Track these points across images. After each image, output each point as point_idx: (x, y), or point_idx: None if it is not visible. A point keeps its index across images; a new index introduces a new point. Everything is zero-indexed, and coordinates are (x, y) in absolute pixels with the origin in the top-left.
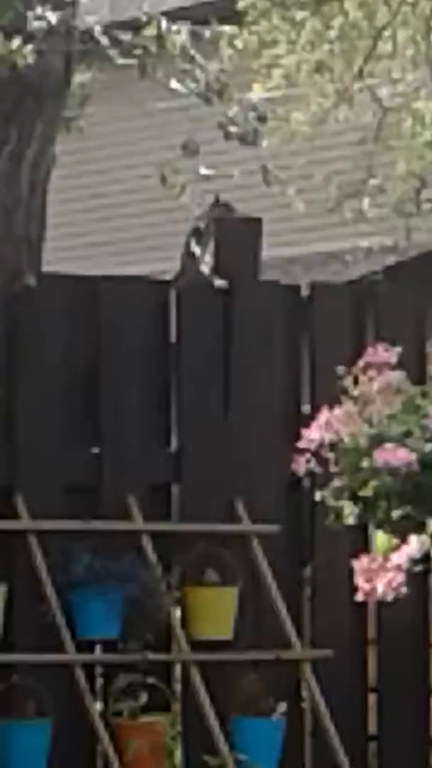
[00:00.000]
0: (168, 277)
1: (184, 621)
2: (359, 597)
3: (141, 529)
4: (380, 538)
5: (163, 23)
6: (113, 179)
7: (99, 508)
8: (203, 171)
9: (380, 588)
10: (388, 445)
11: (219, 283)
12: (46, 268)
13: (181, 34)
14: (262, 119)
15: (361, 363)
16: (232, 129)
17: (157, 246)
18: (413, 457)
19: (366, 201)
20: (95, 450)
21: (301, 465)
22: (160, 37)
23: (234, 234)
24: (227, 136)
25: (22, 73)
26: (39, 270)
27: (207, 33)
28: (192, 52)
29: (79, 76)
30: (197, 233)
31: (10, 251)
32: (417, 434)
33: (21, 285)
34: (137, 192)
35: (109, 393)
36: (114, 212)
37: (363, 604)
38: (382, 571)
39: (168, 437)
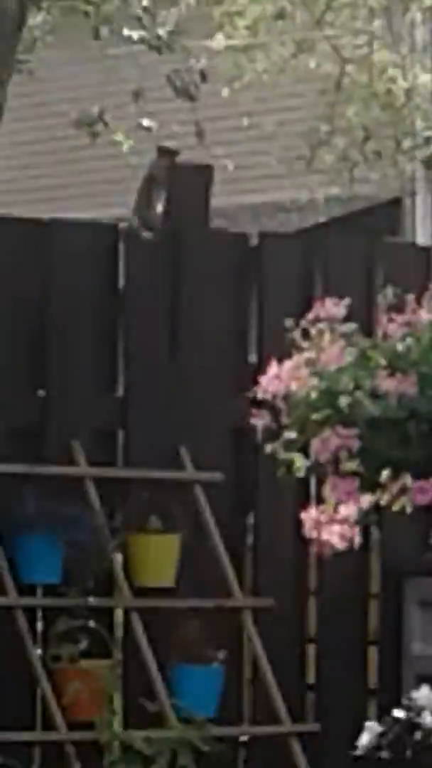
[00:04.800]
0: (119, 222)
1: (127, 567)
2: (315, 550)
3: (85, 474)
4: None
5: None
6: (63, 123)
7: (43, 452)
8: (146, 122)
9: (334, 539)
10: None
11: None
12: None
13: None
14: (202, 76)
15: (310, 316)
16: (177, 83)
17: (105, 191)
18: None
19: (318, 152)
20: (41, 393)
21: (258, 418)
22: None
23: (185, 182)
24: (175, 90)
25: None
26: None
27: None
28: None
29: (30, 20)
30: (149, 180)
31: None
32: (366, 387)
33: None
34: (85, 137)
35: (56, 337)
36: (62, 157)
37: (305, 554)
38: (331, 523)
39: (114, 383)
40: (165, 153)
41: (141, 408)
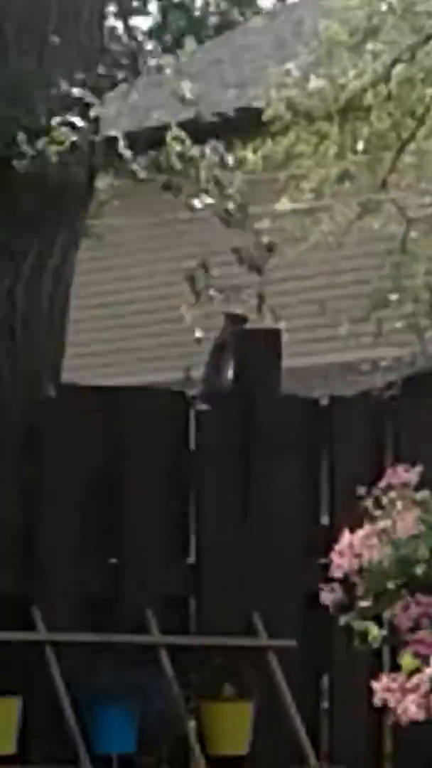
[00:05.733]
0: (187, 387)
1: (201, 735)
2: (400, 719)
3: (158, 642)
4: (407, 658)
5: (187, 141)
6: (128, 287)
7: (116, 620)
8: (213, 293)
9: (413, 709)
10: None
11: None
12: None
13: (205, 152)
14: (269, 250)
15: (381, 484)
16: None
17: (169, 355)
18: None
19: (386, 314)
20: (113, 561)
21: (328, 594)
22: (184, 157)
23: (254, 347)
24: (241, 263)
25: (45, 184)
26: (58, 380)
27: (230, 158)
28: (215, 173)
29: (98, 183)
30: (219, 346)
31: (30, 361)
32: None
33: (40, 395)
34: (153, 300)
35: (128, 504)
36: (128, 320)
37: (380, 718)
38: (403, 691)
39: (186, 549)
40: (233, 319)
41: (213, 574)
